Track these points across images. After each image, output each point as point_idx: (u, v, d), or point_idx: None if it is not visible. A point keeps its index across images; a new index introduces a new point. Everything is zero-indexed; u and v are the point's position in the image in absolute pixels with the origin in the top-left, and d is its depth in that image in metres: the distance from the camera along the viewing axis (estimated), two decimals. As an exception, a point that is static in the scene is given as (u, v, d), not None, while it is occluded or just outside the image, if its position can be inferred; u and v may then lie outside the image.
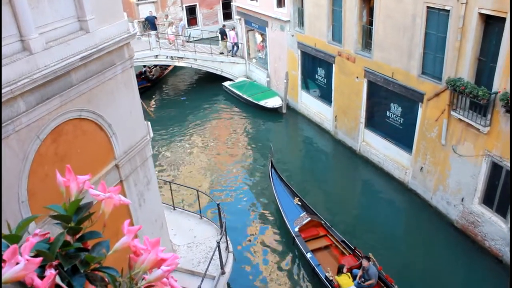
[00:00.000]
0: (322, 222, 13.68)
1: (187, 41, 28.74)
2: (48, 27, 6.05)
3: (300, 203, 14.35)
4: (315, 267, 11.99)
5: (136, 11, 33.03)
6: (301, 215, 13.72)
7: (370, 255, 11.60)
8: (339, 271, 11.52)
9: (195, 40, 29.82)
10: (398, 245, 13.78)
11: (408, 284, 11.67)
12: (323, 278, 11.61)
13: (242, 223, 15.14)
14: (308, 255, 12.36)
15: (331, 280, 11.36)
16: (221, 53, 27.62)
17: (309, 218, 13.41)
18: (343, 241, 12.87)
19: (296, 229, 13.27)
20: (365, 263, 11.20)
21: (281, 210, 14.26)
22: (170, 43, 26.94)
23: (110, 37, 7.10)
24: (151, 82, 28.16)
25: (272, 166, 15.95)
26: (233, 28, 27.85)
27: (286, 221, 13.83)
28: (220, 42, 28.00)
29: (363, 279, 11.22)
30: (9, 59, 5.36)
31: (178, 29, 28.70)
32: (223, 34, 27.58)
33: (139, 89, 29.38)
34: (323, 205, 15.29)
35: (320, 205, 15.08)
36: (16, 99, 5.43)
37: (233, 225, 14.22)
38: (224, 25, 30.73)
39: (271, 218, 15.24)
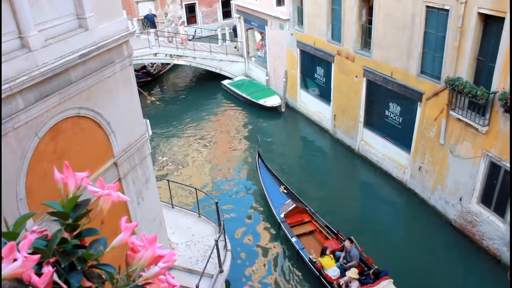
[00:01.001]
0: (307, 208, 14.25)
1: (191, 39, 28.70)
2: (47, 24, 6.04)
3: (285, 191, 14.96)
4: (300, 250, 12.44)
5: (135, 9, 32.98)
6: (287, 202, 14.26)
7: (352, 238, 12.01)
8: (322, 253, 12.03)
9: (196, 38, 29.75)
10: (396, 244, 13.79)
11: (406, 283, 11.68)
12: (307, 260, 12.11)
13: (240, 220, 15.16)
14: (293, 240, 12.83)
15: (315, 262, 11.90)
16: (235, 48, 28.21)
17: (294, 205, 13.96)
18: (326, 226, 13.45)
19: (282, 215, 13.80)
20: (347, 244, 11.72)
21: (268, 198, 14.83)
22: (181, 43, 27.05)
23: (109, 35, 7.10)
24: (151, 77, 28.58)
25: (259, 156, 16.53)
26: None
27: (272, 208, 14.38)
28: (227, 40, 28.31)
29: (345, 261, 11.75)
30: (8, 56, 5.35)
31: (182, 27, 28.67)
32: (236, 31, 27.85)
33: (139, 82, 29.71)
34: (321, 204, 15.29)
35: (318, 204, 15.08)
36: (14, 97, 5.43)
37: (231, 222, 14.40)
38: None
39: (266, 212, 15.34)
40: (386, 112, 16.50)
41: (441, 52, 13.18)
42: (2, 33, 5.28)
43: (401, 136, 15.99)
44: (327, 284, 11.36)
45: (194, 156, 19.81)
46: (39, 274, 1.21)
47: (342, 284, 11.05)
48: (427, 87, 13.97)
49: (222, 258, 10.50)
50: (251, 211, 15.65)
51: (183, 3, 35.33)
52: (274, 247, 13.88)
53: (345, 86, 18.44)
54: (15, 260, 1.15)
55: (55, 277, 1.25)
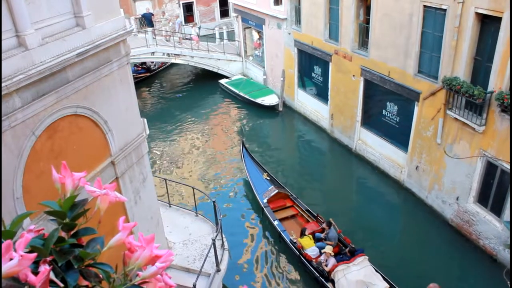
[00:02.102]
0: (289, 194, 15.02)
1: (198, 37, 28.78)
2: (44, 23, 6.02)
3: (268, 178, 15.70)
4: (281, 232, 13.19)
5: (133, 8, 32.93)
6: (269, 188, 14.95)
7: (331, 220, 12.89)
8: (302, 234, 12.94)
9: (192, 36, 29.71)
10: (393, 243, 13.83)
11: (403, 281, 11.70)
12: (288, 241, 12.84)
13: (236, 218, 15.18)
14: (275, 223, 13.60)
15: (295, 242, 12.61)
16: None
17: (277, 191, 14.70)
18: (307, 210, 14.24)
19: (265, 201, 14.55)
20: (325, 226, 12.69)
21: (251, 185, 15.60)
22: (194, 44, 27.16)
23: (107, 34, 7.09)
24: (150, 72, 29.01)
25: (244, 146, 17.36)
26: None
27: (256, 194, 15.09)
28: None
29: (324, 241, 12.56)
30: (5, 55, 5.34)
31: (194, 29, 28.66)
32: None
33: (139, 77, 29.66)
34: (318, 203, 15.31)
35: (316, 202, 15.11)
36: (11, 95, 5.41)
37: (227, 220, 14.50)
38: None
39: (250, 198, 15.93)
40: (384, 112, 16.52)
41: (438, 51, 13.21)
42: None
43: (398, 135, 16.02)
44: (307, 263, 12.07)
45: (192, 155, 19.80)
46: (36, 273, 1.21)
47: (322, 261, 11.71)
48: (424, 86, 14.00)
49: (219, 257, 10.50)
50: (246, 209, 15.66)
51: (181, 2, 35.28)
52: (258, 230, 14.64)
53: (342, 85, 18.45)
54: (11, 259, 1.15)
55: (52, 276, 1.26)
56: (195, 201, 12.67)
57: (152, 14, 29.32)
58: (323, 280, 11.49)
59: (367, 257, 11.45)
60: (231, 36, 29.20)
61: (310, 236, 12.72)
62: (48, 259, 1.29)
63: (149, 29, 26.25)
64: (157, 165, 18.93)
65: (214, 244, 10.00)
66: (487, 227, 12.62)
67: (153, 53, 25.51)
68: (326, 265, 11.52)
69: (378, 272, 11.39)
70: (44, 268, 1.21)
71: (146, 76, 28.70)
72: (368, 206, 15.71)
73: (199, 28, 29.83)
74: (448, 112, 13.11)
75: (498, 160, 11.83)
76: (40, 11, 5.96)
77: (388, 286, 11.08)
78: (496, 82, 11.40)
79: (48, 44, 5.94)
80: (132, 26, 8.01)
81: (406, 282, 11.93)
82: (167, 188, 12.97)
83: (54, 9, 6.20)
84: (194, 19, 35.98)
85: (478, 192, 12.87)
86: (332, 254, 11.77)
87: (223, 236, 11.37)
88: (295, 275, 12.80)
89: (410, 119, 15.06)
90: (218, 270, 10.40)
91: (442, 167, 13.96)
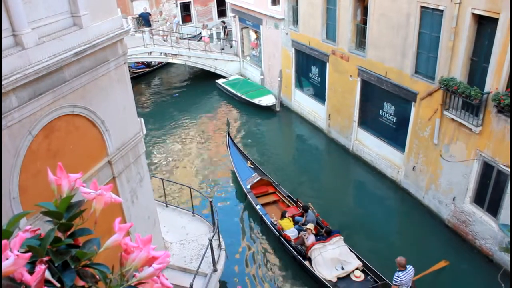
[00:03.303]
0: (271, 181, 15.84)
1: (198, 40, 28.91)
2: (41, 22, 6.01)
3: (252, 166, 16.66)
4: (263, 216, 14.02)
5: (130, 7, 32.84)
6: (253, 175, 15.77)
7: (309, 204, 13.76)
8: (282, 217, 13.75)
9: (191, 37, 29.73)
10: (390, 243, 13.84)
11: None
12: (269, 223, 13.66)
13: (233, 217, 15.19)
14: (258, 207, 14.44)
15: (275, 224, 13.45)
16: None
17: (260, 177, 15.50)
18: (288, 196, 15.09)
19: (248, 187, 15.36)
20: (303, 211, 13.57)
21: (236, 172, 16.43)
22: (206, 45, 27.37)
23: (104, 33, 7.08)
24: (150, 67, 29.62)
25: (229, 136, 18.24)
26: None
27: (240, 181, 15.91)
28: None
29: (302, 223, 13.42)
30: (2, 54, 5.32)
31: (205, 31, 28.66)
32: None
33: (139, 72, 29.98)
34: (316, 203, 15.30)
35: (313, 203, 15.11)
36: (8, 94, 5.40)
37: (224, 219, 14.61)
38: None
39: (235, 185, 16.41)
40: (381, 112, 16.55)
41: (435, 52, 13.24)
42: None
43: (395, 135, 16.05)
44: (286, 243, 12.83)
45: (189, 155, 19.79)
46: (32, 272, 1.21)
47: (304, 235, 12.50)
48: (421, 87, 14.03)
49: (216, 257, 10.50)
50: (241, 205, 15.68)
51: (178, 2, 35.22)
52: (242, 215, 15.49)
53: (339, 85, 18.47)
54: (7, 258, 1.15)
55: (49, 276, 1.25)
56: (192, 201, 12.66)
57: (150, 14, 29.28)
58: (300, 258, 12.18)
59: (342, 237, 12.27)
60: (229, 36, 29.28)
61: (290, 218, 13.60)
62: (45, 259, 1.29)
63: (147, 28, 26.22)
64: (154, 164, 18.91)
65: (211, 244, 10.00)
66: (484, 228, 12.66)
67: (150, 52, 25.48)
68: (307, 239, 12.29)
69: (353, 252, 12.15)
70: (39, 267, 1.21)
71: (146, 72, 29.53)
72: (365, 206, 15.73)
73: (210, 28, 29.86)
74: (445, 112, 13.14)
75: (495, 160, 11.86)
76: (37, 11, 5.95)
77: (361, 264, 11.82)
78: (493, 83, 11.44)
79: (45, 44, 5.93)
80: (129, 25, 8.00)
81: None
82: (164, 187, 12.96)
83: (51, 8, 6.19)
84: (191, 19, 35.94)
85: (475, 192, 12.91)
86: (314, 232, 12.55)
87: (220, 236, 11.37)
88: (274, 256, 13.61)
89: (407, 119, 15.10)
90: (215, 270, 10.40)
91: (438, 167, 14.00)
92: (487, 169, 12.35)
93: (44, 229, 1.37)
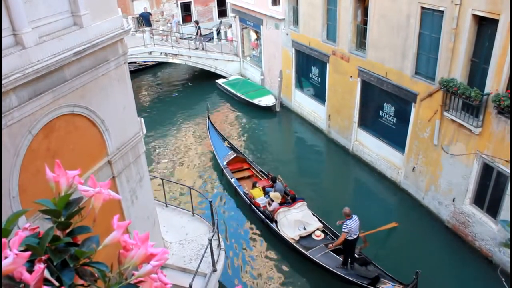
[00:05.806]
0: (246, 158, 17.66)
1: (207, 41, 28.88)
2: (41, 21, 6.01)
3: (229, 145, 18.44)
4: (237, 187, 15.65)
5: (130, 7, 32.85)
6: (229, 153, 17.65)
7: (279, 176, 15.20)
8: (253, 187, 15.66)
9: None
10: (390, 245, 13.84)
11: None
12: (242, 193, 15.28)
13: (232, 217, 15.20)
14: (232, 180, 16.10)
15: (247, 194, 15.13)
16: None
17: (235, 155, 17.44)
18: (261, 171, 16.77)
19: (224, 163, 17.04)
20: (273, 181, 14.92)
21: (214, 151, 18.29)
22: (230, 44, 27.72)
23: (104, 33, 7.07)
24: (154, 61, 29.56)
25: (209, 119, 19.93)
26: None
27: (218, 158, 17.66)
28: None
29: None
30: (2, 53, 5.32)
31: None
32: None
33: (143, 65, 30.34)
34: (315, 203, 15.30)
35: (313, 203, 15.09)
36: (8, 94, 5.40)
37: (222, 217, 15.18)
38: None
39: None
40: (381, 113, 16.55)
41: (436, 53, 13.24)
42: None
43: (395, 136, 16.04)
44: (256, 209, 14.45)
45: (188, 155, 19.78)
46: (31, 271, 1.21)
47: (266, 199, 14.27)
48: (421, 88, 14.03)
49: (215, 257, 10.50)
50: (245, 210, 15.68)
51: (179, 2, 35.22)
52: (219, 190, 17.13)
53: (339, 86, 18.47)
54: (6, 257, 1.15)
55: (48, 275, 1.25)
56: (191, 201, 12.66)
57: (150, 14, 29.29)
58: (268, 221, 13.82)
59: (305, 203, 13.81)
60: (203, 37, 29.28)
61: (260, 188, 15.36)
62: (44, 257, 1.29)
63: (147, 28, 26.22)
64: (154, 164, 18.90)
65: (210, 244, 9.99)
66: (483, 229, 12.65)
67: (150, 52, 25.49)
68: (270, 206, 13.97)
69: (315, 216, 13.68)
70: (39, 266, 1.21)
71: (150, 65, 30.28)
72: (364, 206, 15.67)
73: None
74: (445, 113, 13.14)
75: (495, 161, 11.86)
76: (37, 10, 5.95)
77: (322, 225, 13.34)
78: (493, 84, 11.44)
79: (45, 43, 5.93)
80: (129, 25, 7.99)
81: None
82: (163, 187, 12.96)
83: (51, 8, 6.19)
84: (192, 19, 35.93)
85: (474, 193, 12.90)
86: (282, 201, 14.09)
87: (220, 236, 11.37)
88: (246, 221, 15.26)
89: (407, 120, 15.09)
90: (215, 270, 10.40)
91: (438, 168, 14.00)
92: (487, 170, 12.35)
93: (43, 227, 1.37)
